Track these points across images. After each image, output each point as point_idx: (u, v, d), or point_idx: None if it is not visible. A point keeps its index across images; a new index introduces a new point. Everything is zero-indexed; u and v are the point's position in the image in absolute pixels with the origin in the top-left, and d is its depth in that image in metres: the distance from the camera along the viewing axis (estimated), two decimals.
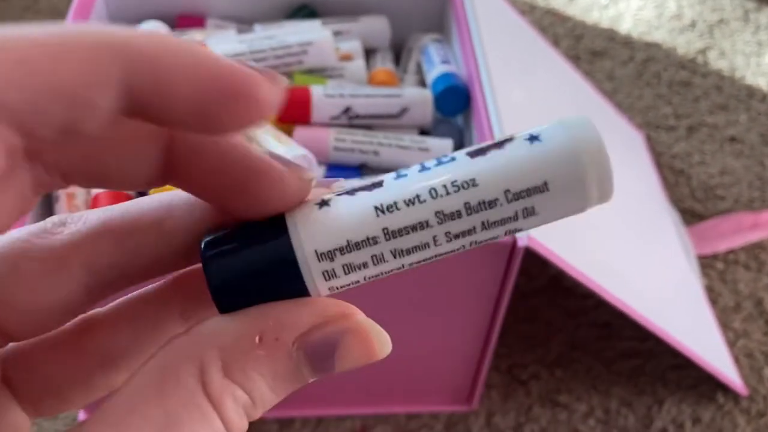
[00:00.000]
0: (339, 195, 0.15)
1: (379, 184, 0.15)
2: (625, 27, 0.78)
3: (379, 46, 0.52)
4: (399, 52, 0.54)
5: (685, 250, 0.56)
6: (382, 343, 0.15)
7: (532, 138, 0.15)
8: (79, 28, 0.12)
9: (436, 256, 0.15)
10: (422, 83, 0.50)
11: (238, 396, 0.14)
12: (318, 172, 0.43)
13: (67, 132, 0.13)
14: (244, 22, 0.53)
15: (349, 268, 0.15)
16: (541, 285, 0.55)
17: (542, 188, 0.14)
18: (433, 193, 0.14)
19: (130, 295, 0.17)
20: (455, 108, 0.46)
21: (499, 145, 0.15)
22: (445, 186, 0.14)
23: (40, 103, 0.12)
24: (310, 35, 0.45)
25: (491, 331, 0.42)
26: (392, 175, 0.15)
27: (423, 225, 0.15)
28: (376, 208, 0.15)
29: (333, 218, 0.15)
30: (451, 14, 0.52)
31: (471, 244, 0.15)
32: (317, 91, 0.44)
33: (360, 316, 0.15)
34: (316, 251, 0.15)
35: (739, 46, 0.76)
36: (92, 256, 0.15)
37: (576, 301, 0.54)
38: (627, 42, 0.76)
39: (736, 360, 0.51)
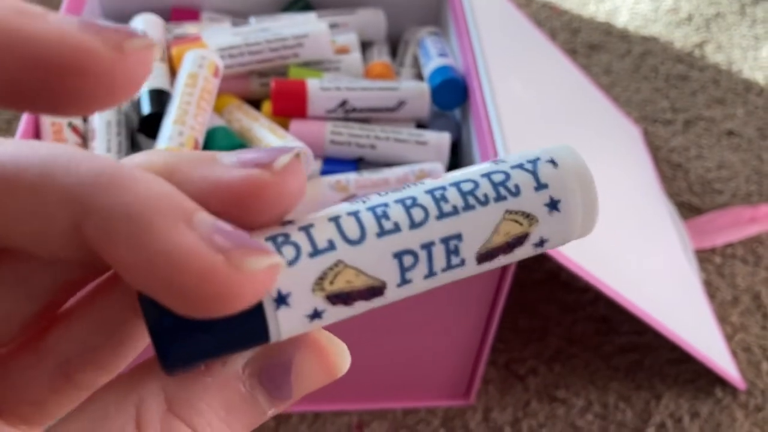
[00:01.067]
0: (334, 306, 0.13)
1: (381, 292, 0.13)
2: (621, 20, 0.78)
3: (376, 39, 0.52)
4: (395, 45, 0.54)
5: (683, 244, 0.56)
6: (341, 357, 0.13)
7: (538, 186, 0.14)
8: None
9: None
10: (419, 76, 0.50)
11: None
12: (315, 166, 0.43)
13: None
14: (239, 15, 0.52)
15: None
16: (539, 279, 0.54)
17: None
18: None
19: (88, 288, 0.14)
20: (452, 101, 0.46)
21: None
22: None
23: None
24: (306, 28, 0.45)
25: (489, 326, 0.42)
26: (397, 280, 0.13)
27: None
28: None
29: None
30: (448, 7, 0.51)
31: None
32: (313, 85, 0.43)
33: (319, 331, 0.13)
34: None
35: (736, 39, 0.76)
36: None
37: (574, 296, 0.54)
38: (624, 35, 0.76)
39: (734, 354, 0.51)
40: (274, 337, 0.12)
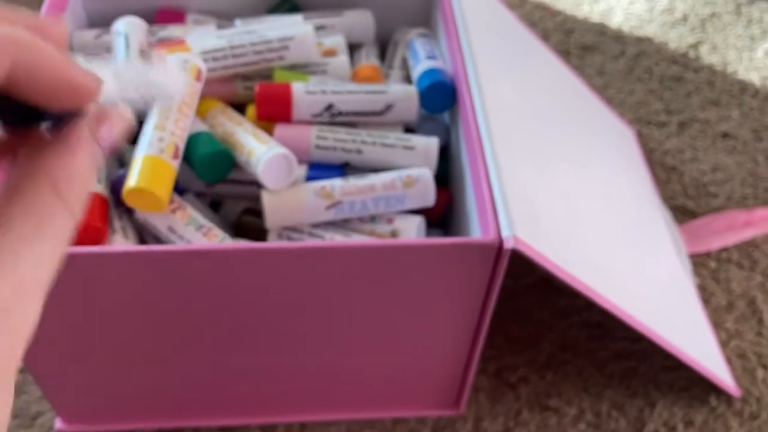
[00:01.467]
0: None
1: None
2: (615, 21, 0.77)
3: (364, 41, 0.51)
4: (384, 47, 0.53)
5: (677, 248, 0.55)
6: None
7: None
8: None
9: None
10: (408, 79, 0.49)
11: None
12: (300, 171, 0.42)
13: None
14: (225, 17, 0.51)
15: None
16: (531, 284, 0.54)
17: None
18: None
19: None
20: (441, 104, 0.45)
21: None
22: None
23: None
24: (292, 30, 0.44)
25: (478, 333, 0.41)
26: None
27: None
28: None
29: None
30: (438, 8, 0.50)
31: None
32: (298, 88, 0.42)
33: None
34: None
35: (731, 40, 0.75)
36: None
37: (567, 301, 0.53)
38: (618, 36, 0.75)
39: (729, 361, 0.50)
40: None
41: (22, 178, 0.18)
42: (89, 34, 0.49)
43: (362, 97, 0.43)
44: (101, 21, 0.51)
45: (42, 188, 0.18)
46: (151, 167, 0.37)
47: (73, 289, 0.35)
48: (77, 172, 0.19)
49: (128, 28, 0.45)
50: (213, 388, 0.44)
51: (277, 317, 0.39)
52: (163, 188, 0.37)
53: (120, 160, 0.44)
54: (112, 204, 0.40)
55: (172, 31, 0.48)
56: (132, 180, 0.36)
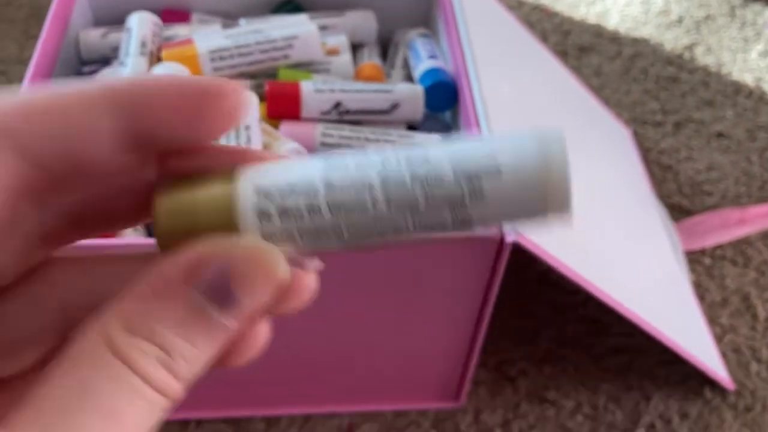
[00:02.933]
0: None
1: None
2: (612, 23, 0.78)
3: (366, 41, 0.52)
4: (386, 46, 0.54)
5: (673, 245, 0.56)
6: (276, 260, 0.15)
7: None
8: (77, 86, 0.15)
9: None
10: (409, 78, 0.50)
11: (147, 349, 0.14)
12: None
13: (70, 162, 0.15)
14: (230, 17, 0.52)
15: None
16: (530, 280, 0.55)
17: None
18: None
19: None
20: (442, 103, 0.46)
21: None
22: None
23: (45, 129, 0.14)
24: (296, 29, 0.45)
25: (479, 328, 0.42)
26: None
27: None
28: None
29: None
30: (438, 9, 0.51)
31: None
32: (307, 87, 0.43)
33: (245, 238, 0.15)
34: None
35: (726, 42, 0.76)
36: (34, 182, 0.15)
37: (565, 297, 0.54)
38: (614, 38, 0.76)
39: (724, 355, 0.51)
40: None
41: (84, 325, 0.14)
42: (95, 33, 0.50)
43: (369, 95, 0.44)
44: (107, 20, 0.52)
45: (97, 346, 0.14)
46: None
47: None
48: (176, 329, 0.14)
49: (140, 23, 0.46)
50: (216, 380, 0.45)
51: None
52: None
53: None
54: None
55: (178, 30, 0.49)
56: None
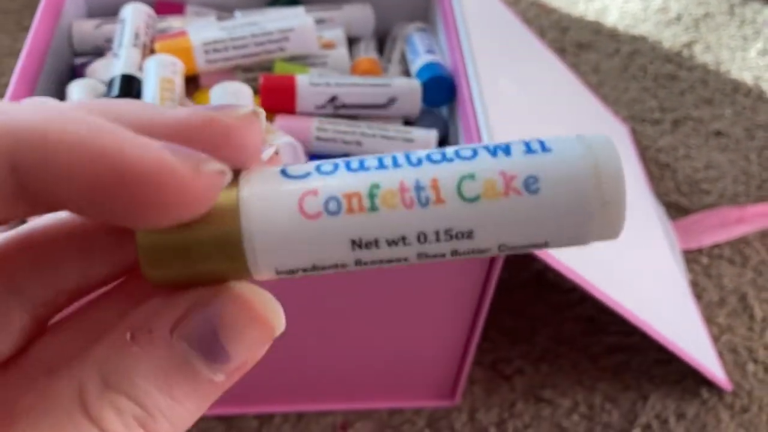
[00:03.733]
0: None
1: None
2: (611, 19, 0.78)
3: (363, 35, 0.51)
4: (383, 41, 0.53)
5: (671, 244, 0.56)
6: (272, 311, 0.13)
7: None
8: None
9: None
10: (406, 73, 0.49)
11: (123, 406, 0.12)
12: (302, 161, 0.42)
13: None
14: (225, 9, 0.51)
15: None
16: (526, 279, 0.54)
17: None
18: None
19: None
20: (440, 98, 0.45)
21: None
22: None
23: None
24: (292, 22, 0.44)
25: (475, 326, 0.42)
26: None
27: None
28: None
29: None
30: (437, 3, 0.51)
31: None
32: (302, 80, 0.42)
33: (238, 284, 0.13)
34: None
35: (725, 40, 0.76)
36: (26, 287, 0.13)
37: (561, 296, 0.53)
38: (613, 35, 0.76)
39: (721, 355, 0.51)
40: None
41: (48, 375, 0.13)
42: (88, 24, 0.49)
43: (366, 89, 0.43)
44: (101, 11, 0.51)
45: (67, 401, 0.12)
46: None
47: None
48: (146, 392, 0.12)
49: (134, 14, 0.45)
50: None
51: None
52: None
53: None
54: None
55: (172, 22, 0.49)
56: None
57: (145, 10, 0.47)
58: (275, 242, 0.13)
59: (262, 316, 0.13)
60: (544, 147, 0.13)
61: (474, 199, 0.13)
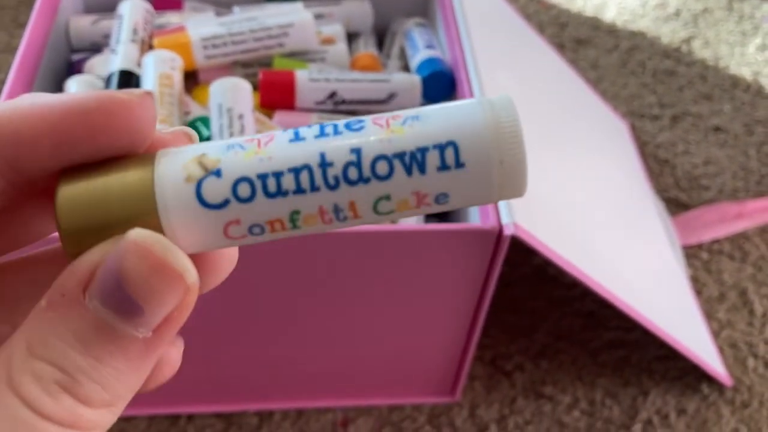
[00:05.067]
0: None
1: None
2: (609, 15, 0.77)
3: (362, 30, 0.51)
4: (382, 36, 0.53)
5: (671, 240, 0.56)
6: (174, 257, 0.12)
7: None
8: None
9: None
10: (406, 68, 0.49)
11: (43, 372, 0.12)
12: None
13: None
14: (223, 5, 0.51)
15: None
16: (526, 274, 0.54)
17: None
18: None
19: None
20: (440, 94, 0.45)
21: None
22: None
23: None
24: (291, 17, 0.44)
25: (475, 322, 0.42)
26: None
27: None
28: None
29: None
30: None
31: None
32: (302, 76, 0.42)
33: (138, 231, 0.13)
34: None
35: (723, 35, 0.76)
36: None
37: (561, 291, 0.53)
38: (611, 30, 0.76)
39: (721, 350, 0.51)
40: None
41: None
42: (86, 20, 0.49)
43: (366, 85, 0.43)
44: (98, 6, 0.51)
45: None
46: None
47: None
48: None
49: (132, 9, 0.45)
50: (209, 374, 0.44)
51: (272, 304, 0.39)
52: None
53: None
54: None
55: (170, 17, 0.48)
56: None
57: (144, 5, 0.46)
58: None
59: (165, 262, 0.12)
60: (457, 161, 0.14)
61: (388, 213, 0.14)
